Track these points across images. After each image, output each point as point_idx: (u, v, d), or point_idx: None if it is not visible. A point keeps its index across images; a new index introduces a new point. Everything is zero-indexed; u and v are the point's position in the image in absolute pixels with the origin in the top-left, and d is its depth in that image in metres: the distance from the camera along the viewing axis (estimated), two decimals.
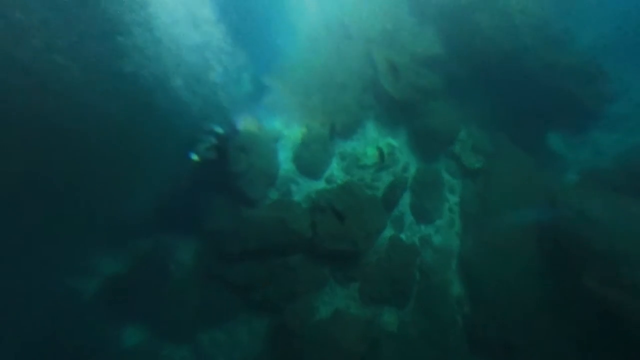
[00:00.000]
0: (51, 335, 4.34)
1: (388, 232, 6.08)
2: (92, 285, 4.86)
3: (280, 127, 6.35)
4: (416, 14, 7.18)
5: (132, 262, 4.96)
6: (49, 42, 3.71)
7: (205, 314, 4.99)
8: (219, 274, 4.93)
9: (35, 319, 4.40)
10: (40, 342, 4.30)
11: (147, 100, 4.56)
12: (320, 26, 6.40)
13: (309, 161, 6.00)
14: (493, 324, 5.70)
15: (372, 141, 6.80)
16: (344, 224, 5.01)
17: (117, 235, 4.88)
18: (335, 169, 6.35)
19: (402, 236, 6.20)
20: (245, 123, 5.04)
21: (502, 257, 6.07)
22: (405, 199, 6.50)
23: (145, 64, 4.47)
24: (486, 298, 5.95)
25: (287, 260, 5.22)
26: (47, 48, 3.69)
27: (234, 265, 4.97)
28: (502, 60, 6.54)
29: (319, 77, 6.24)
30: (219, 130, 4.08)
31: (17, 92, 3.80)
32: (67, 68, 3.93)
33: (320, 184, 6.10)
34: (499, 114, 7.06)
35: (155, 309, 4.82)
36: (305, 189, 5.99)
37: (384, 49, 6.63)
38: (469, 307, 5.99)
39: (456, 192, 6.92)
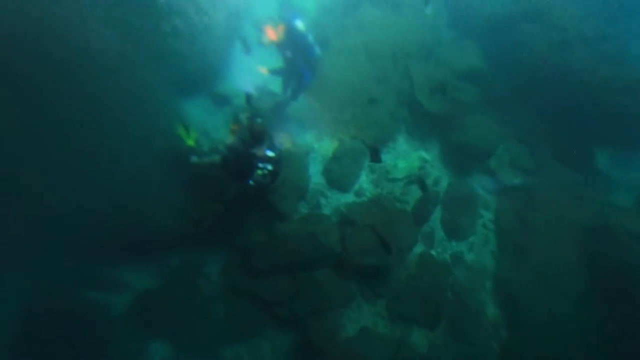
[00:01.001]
0: (79, 350, 4.32)
1: (418, 248, 5.70)
2: (121, 300, 4.79)
3: (311, 141, 6.30)
4: (456, 27, 6.90)
5: (162, 278, 4.89)
6: None
7: (230, 329, 4.86)
8: (246, 289, 4.87)
9: (63, 332, 4.38)
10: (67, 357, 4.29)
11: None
12: (358, 42, 6.29)
13: (339, 174, 5.80)
14: (531, 351, 5.17)
15: (402, 154, 6.55)
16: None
17: (149, 250, 4.83)
18: (364, 182, 6.12)
19: (433, 252, 5.82)
20: (283, 139, 5.00)
21: (544, 280, 5.49)
22: (436, 214, 6.15)
23: None
24: (525, 323, 5.40)
25: (313, 275, 5.08)
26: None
27: (260, 280, 4.91)
28: (551, 74, 6.04)
29: (354, 92, 6.03)
30: (272, 154, 3.86)
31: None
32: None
33: (350, 197, 5.92)
34: (541, 130, 6.47)
35: (182, 325, 4.74)
36: (334, 202, 5.81)
37: (421, 63, 6.39)
38: (506, 331, 5.49)
39: (491, 208, 6.42)
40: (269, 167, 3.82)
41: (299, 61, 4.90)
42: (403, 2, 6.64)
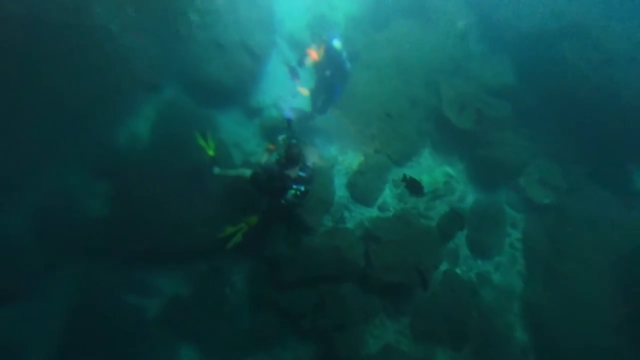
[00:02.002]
0: (117, 351, 4.37)
1: (442, 266, 5.46)
2: (153, 304, 4.82)
3: (336, 154, 6.23)
4: (487, 41, 6.63)
5: (191, 285, 4.90)
6: None
7: (254, 339, 4.79)
8: (271, 300, 4.81)
9: (103, 334, 4.42)
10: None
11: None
12: (388, 56, 6.16)
13: (363, 189, 5.68)
14: None
15: (427, 169, 6.35)
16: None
17: (180, 257, 4.88)
18: (388, 196, 5.98)
19: (458, 270, 5.57)
20: (314, 158, 4.99)
21: (577, 306, 5.09)
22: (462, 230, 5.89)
23: None
24: (556, 350, 5.03)
25: (337, 289, 4.98)
26: None
27: (285, 292, 4.84)
28: (589, 92, 5.66)
29: (381, 106, 5.87)
30: (304, 174, 3.82)
31: None
32: None
33: (373, 212, 5.79)
34: (575, 148, 6.07)
35: (209, 332, 4.72)
36: (357, 215, 5.69)
37: (450, 77, 6.15)
38: (535, 357, 5.14)
39: (519, 227, 6.07)
40: (302, 188, 3.78)
41: (334, 78, 4.93)
42: (434, 16, 6.47)
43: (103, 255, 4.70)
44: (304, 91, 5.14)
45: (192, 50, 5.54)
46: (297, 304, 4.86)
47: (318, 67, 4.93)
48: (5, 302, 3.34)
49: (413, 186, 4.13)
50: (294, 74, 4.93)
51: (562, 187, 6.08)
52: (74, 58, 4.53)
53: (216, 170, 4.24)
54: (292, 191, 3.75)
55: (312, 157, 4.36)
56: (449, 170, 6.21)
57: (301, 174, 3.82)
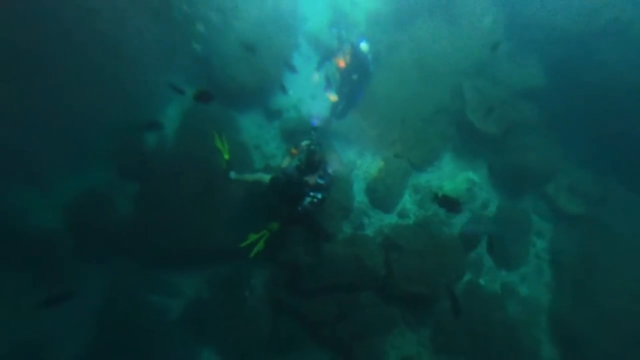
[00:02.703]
0: (138, 350, 4.41)
1: (465, 276, 5.26)
2: (176, 305, 4.82)
3: (354, 157, 6.00)
4: (515, 40, 6.21)
5: (212, 287, 4.86)
6: None
7: (273, 343, 4.68)
8: (291, 306, 4.64)
9: (126, 332, 4.50)
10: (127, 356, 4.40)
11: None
12: (410, 57, 5.82)
13: (383, 194, 5.44)
14: None
15: (448, 174, 6.03)
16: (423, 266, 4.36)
17: (202, 259, 4.85)
18: (407, 202, 5.71)
19: (481, 281, 5.29)
20: (334, 165, 4.81)
21: (610, 322, 4.73)
22: (484, 239, 5.58)
23: None
24: None
25: (357, 297, 4.80)
26: None
27: (305, 299, 4.68)
28: (626, 95, 5.21)
29: (402, 110, 5.56)
30: (322, 182, 3.66)
31: None
32: None
33: (393, 218, 5.54)
34: (608, 155, 5.55)
35: (229, 335, 4.64)
36: (376, 222, 5.45)
37: (475, 80, 5.73)
38: None
39: (545, 236, 5.70)
40: (319, 195, 3.62)
41: (358, 81, 4.73)
42: (459, 13, 6.06)
43: (130, 254, 4.79)
44: (333, 98, 4.97)
45: (215, 52, 5.48)
46: (316, 312, 4.69)
47: (344, 71, 4.73)
48: (62, 303, 3.41)
49: (448, 203, 3.84)
50: (328, 83, 4.80)
51: (593, 196, 5.64)
52: (107, 64, 4.62)
53: (232, 174, 4.14)
54: (309, 199, 3.60)
55: (334, 165, 4.19)
56: (472, 176, 5.88)
57: (320, 181, 3.65)
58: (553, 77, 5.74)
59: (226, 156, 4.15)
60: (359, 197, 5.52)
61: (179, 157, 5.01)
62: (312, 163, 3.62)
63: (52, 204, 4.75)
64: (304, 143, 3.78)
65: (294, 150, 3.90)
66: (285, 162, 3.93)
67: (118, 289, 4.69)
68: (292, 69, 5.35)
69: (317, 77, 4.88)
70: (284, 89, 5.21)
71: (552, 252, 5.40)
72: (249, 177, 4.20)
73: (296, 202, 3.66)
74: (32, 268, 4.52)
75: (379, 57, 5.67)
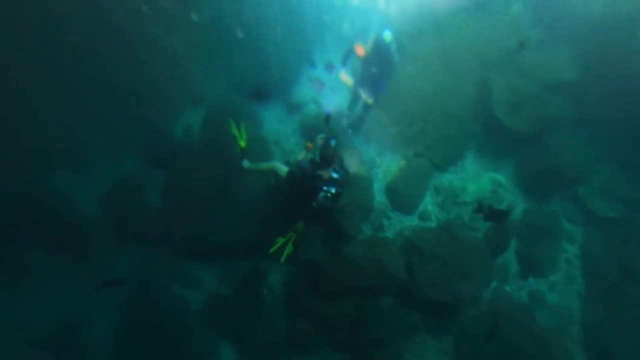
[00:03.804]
0: (157, 340, 4.35)
1: (491, 283, 4.85)
2: (196, 298, 4.74)
3: (373, 155, 5.61)
4: (544, 28, 5.65)
5: (231, 282, 4.70)
6: None
7: (289, 343, 4.45)
8: (308, 308, 4.40)
9: (151, 320, 4.50)
10: (147, 345, 4.37)
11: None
12: (434, 49, 5.33)
13: (404, 195, 5.03)
14: None
15: (472, 175, 5.58)
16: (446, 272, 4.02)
17: (223, 254, 4.72)
18: (429, 204, 5.30)
19: (508, 289, 4.87)
20: (349, 155, 4.47)
21: None
22: (511, 244, 5.14)
23: None
24: None
25: (377, 302, 4.48)
26: None
27: (323, 301, 4.38)
28: None
29: (425, 104, 5.11)
30: (337, 176, 3.42)
31: None
32: None
33: (413, 220, 5.14)
34: None
35: (247, 331, 4.46)
36: (396, 224, 5.06)
37: (502, 73, 5.21)
38: None
39: (576, 242, 5.20)
40: (332, 190, 3.37)
41: (380, 74, 4.34)
42: (485, 1, 5.52)
43: (156, 244, 4.82)
44: (347, 80, 4.56)
45: (239, 50, 5.25)
46: (334, 314, 4.38)
47: (365, 62, 4.32)
48: (115, 287, 3.59)
49: (495, 216, 3.48)
50: (318, 84, 4.51)
51: (629, 198, 5.11)
52: (145, 64, 4.72)
53: (245, 163, 3.87)
54: (323, 193, 3.36)
55: (352, 161, 3.89)
56: (497, 177, 5.40)
57: (334, 175, 3.41)
58: (586, 69, 5.16)
59: (242, 144, 3.89)
60: (379, 197, 5.13)
61: (204, 150, 4.92)
62: (326, 157, 3.41)
63: (91, 191, 4.92)
64: (320, 137, 3.52)
65: (309, 144, 3.68)
66: (301, 156, 3.71)
67: (145, 277, 4.73)
68: (312, 64, 5.07)
69: (342, 73, 4.53)
70: (312, 63, 4.91)
71: (583, 259, 4.94)
72: (264, 165, 3.95)
73: (311, 197, 3.43)
74: (69, 251, 4.71)
75: (403, 47, 5.21)
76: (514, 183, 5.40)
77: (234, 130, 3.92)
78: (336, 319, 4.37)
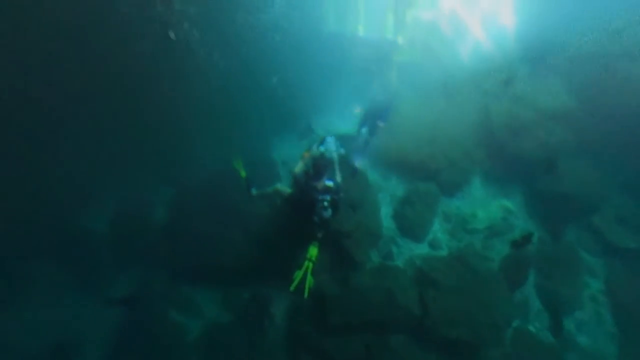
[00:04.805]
0: None
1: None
2: (194, 326, 4.32)
3: (379, 179, 5.50)
4: (531, 63, 5.91)
5: (232, 311, 4.30)
6: None
7: None
8: (312, 343, 3.92)
9: (145, 349, 4.09)
10: None
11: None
12: (435, 79, 5.59)
13: (412, 221, 4.79)
14: None
15: (480, 201, 5.37)
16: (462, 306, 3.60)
17: (224, 276, 4.38)
18: (438, 231, 5.02)
19: (531, 328, 4.37)
20: (355, 177, 4.36)
21: None
22: (529, 277, 4.72)
23: None
24: None
25: (388, 340, 3.98)
26: None
27: (329, 336, 3.87)
28: None
29: (430, 131, 5.12)
30: (331, 184, 3.37)
31: None
32: None
33: (423, 248, 4.81)
34: None
35: None
36: (406, 251, 4.74)
37: (502, 101, 5.30)
38: None
39: (598, 275, 4.75)
40: (328, 197, 3.29)
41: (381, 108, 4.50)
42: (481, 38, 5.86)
43: (158, 262, 4.56)
44: (357, 109, 4.77)
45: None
46: (341, 352, 3.85)
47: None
48: (127, 306, 3.48)
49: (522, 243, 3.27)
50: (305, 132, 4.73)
51: None
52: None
53: (254, 191, 3.83)
54: (319, 203, 3.25)
55: (346, 170, 3.86)
56: (507, 203, 5.17)
57: (328, 183, 3.34)
58: (580, 98, 5.25)
59: (243, 174, 3.90)
60: (386, 223, 4.86)
61: (213, 171, 4.87)
62: (319, 167, 3.38)
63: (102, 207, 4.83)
64: (315, 147, 3.50)
65: (306, 154, 3.65)
66: (299, 166, 3.64)
67: (142, 298, 4.44)
68: (310, 130, 5.23)
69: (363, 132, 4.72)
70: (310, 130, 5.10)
71: (610, 294, 4.45)
72: (270, 189, 3.88)
73: (310, 211, 3.30)
74: (70, 264, 4.53)
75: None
76: (525, 210, 5.13)
77: (236, 164, 3.95)
78: (343, 357, 3.84)
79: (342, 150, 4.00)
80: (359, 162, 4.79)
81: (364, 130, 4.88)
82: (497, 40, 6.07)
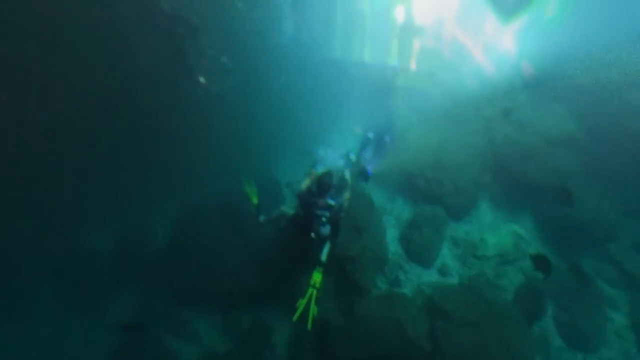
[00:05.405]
0: None
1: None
2: (190, 352, 4.01)
3: (384, 201, 5.37)
4: (532, 91, 5.97)
5: (230, 338, 4.00)
6: None
7: None
8: None
9: None
10: None
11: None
12: (438, 105, 5.63)
13: (420, 246, 4.58)
14: None
15: (489, 226, 5.16)
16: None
17: (224, 300, 4.15)
18: (447, 257, 4.78)
19: None
20: (360, 198, 4.24)
21: None
22: (547, 310, 4.37)
23: None
24: None
25: None
26: None
27: None
28: None
29: (435, 154, 5.05)
30: (333, 202, 3.30)
31: None
32: None
33: (432, 275, 4.56)
34: None
35: None
36: (414, 278, 4.47)
37: (504, 126, 5.27)
38: None
39: (621, 309, 4.40)
40: (327, 213, 3.22)
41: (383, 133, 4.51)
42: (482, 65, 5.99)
43: (158, 285, 4.38)
44: (357, 130, 4.78)
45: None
46: None
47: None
48: (133, 332, 3.36)
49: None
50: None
51: None
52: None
53: (262, 217, 3.74)
54: (317, 220, 3.17)
55: (362, 206, 3.73)
56: (517, 229, 4.95)
57: (330, 202, 3.29)
58: (585, 125, 5.20)
59: (255, 201, 3.81)
60: (393, 247, 4.65)
61: (217, 192, 4.75)
62: (323, 185, 3.37)
63: (106, 228, 4.71)
64: (317, 165, 3.45)
65: (312, 172, 3.61)
66: (305, 183, 3.58)
67: (140, 320, 4.20)
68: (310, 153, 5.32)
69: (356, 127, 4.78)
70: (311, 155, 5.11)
71: (636, 330, 4.08)
72: (275, 212, 3.80)
73: (309, 227, 3.21)
74: (74, 288, 4.40)
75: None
76: (537, 236, 4.89)
77: (247, 189, 3.90)
78: None
79: (352, 155, 3.99)
80: (370, 167, 4.70)
81: (367, 152, 4.85)
82: (498, 67, 6.20)
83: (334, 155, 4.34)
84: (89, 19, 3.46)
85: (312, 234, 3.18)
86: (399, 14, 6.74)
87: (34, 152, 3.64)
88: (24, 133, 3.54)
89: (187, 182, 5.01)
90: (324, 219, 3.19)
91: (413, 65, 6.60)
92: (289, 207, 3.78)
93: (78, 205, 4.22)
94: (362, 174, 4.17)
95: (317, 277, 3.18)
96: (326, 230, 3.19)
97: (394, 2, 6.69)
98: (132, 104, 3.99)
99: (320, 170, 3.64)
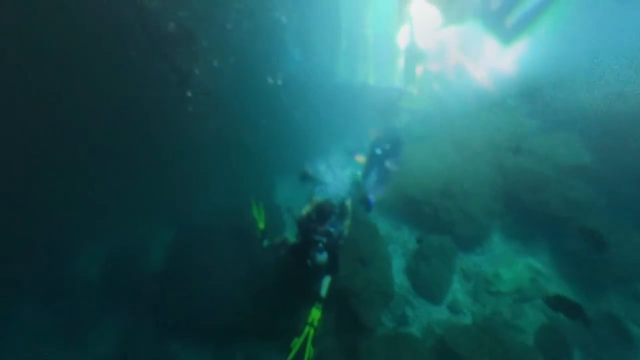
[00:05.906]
0: None
1: None
2: None
3: (390, 229, 5.09)
4: (541, 119, 5.83)
5: None
6: None
7: None
8: None
9: None
10: None
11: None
12: (442, 128, 5.59)
13: (428, 278, 4.24)
14: None
15: (503, 259, 4.79)
16: None
17: (216, 333, 3.81)
18: (458, 292, 4.39)
19: None
20: (364, 226, 4.02)
21: None
22: (574, 354, 3.90)
23: None
24: None
25: None
26: None
27: None
28: None
29: (442, 182, 4.86)
30: (333, 230, 3.14)
31: None
32: None
33: (443, 312, 4.14)
34: None
35: None
36: (423, 315, 4.09)
37: (515, 154, 5.04)
38: None
39: None
40: (324, 239, 3.03)
41: (387, 156, 4.37)
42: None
43: (146, 314, 4.10)
44: (360, 159, 4.62)
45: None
46: None
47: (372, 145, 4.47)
48: None
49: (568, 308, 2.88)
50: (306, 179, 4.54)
51: None
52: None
53: (266, 242, 3.54)
54: (314, 245, 2.96)
55: (348, 218, 3.57)
56: (534, 263, 4.56)
57: (330, 229, 3.15)
58: (600, 156, 4.97)
59: (262, 226, 3.65)
60: (399, 279, 4.31)
61: (216, 217, 4.60)
62: (322, 211, 3.25)
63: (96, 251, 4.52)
64: (317, 192, 3.28)
65: (313, 198, 3.46)
66: (306, 209, 3.42)
67: (126, 352, 3.90)
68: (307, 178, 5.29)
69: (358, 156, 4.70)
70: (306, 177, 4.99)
71: None
72: (277, 239, 3.59)
73: (305, 254, 3.01)
74: (59, 314, 4.16)
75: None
76: (555, 271, 4.49)
77: (255, 212, 3.76)
78: None
79: (357, 175, 3.81)
80: (373, 196, 4.49)
81: (371, 179, 4.70)
82: (502, 90, 6.14)
83: (340, 176, 4.21)
84: (84, 21, 3.43)
85: (308, 261, 2.96)
86: (402, 39, 6.91)
87: (20, 169, 3.56)
88: (12, 149, 3.46)
89: (186, 199, 4.90)
90: (321, 245, 3.01)
91: (416, 89, 6.65)
92: (291, 235, 3.58)
93: (67, 225, 4.09)
94: (364, 203, 3.96)
95: (315, 315, 2.88)
96: (323, 257, 2.97)
97: (396, 27, 6.90)
98: (126, 120, 3.95)
99: (320, 196, 3.49)
